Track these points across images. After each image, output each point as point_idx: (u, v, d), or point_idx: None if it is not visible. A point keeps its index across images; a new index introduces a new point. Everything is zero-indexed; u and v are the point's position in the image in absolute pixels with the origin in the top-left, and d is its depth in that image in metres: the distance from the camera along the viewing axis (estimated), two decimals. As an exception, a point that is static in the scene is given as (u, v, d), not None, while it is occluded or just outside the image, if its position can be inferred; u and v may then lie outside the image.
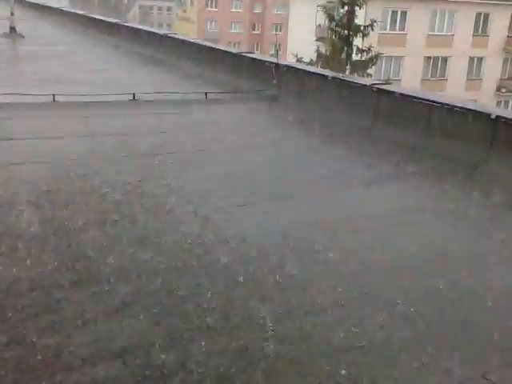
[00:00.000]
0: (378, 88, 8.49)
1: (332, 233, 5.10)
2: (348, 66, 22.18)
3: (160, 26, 66.77)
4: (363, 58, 24.61)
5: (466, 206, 5.78)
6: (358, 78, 14.25)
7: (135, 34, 16.00)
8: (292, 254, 4.63)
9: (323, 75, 9.83)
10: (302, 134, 8.45)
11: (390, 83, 11.60)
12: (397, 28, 32.61)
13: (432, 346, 3.52)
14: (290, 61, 18.72)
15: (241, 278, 4.20)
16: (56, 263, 4.29)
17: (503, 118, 6.82)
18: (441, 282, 4.25)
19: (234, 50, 12.81)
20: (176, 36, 14.67)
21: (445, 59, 34.62)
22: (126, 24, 17.97)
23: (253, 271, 4.34)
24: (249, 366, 3.35)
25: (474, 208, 5.71)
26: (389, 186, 6.36)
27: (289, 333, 3.64)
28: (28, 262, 4.28)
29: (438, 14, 33.18)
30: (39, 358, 3.31)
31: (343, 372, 3.30)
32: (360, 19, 24.24)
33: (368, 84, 8.81)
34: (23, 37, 17.55)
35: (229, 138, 7.94)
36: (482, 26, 34.37)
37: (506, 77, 35.70)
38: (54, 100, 9.00)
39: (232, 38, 59.55)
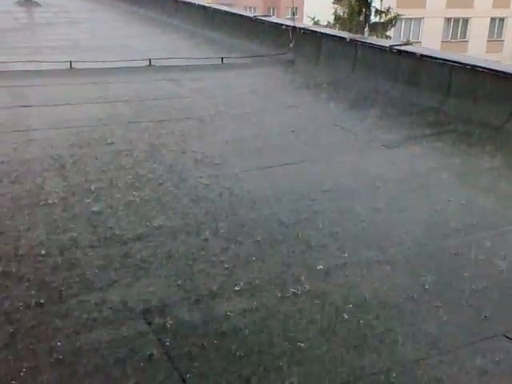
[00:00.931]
0: (397, 49, 8.32)
1: (351, 195, 5.07)
2: (366, 29, 21.78)
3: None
4: (382, 20, 24.13)
5: (488, 166, 5.70)
6: (376, 40, 14.00)
7: (151, 1, 15.84)
8: (312, 218, 4.62)
9: (341, 37, 9.65)
10: (320, 98, 8.35)
11: (410, 44, 11.33)
12: (416, -12, 31.85)
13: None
14: (307, 24, 18.39)
15: (259, 238, 4.23)
16: (76, 226, 4.34)
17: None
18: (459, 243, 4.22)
19: (250, 15, 12.59)
20: (192, 1, 14.48)
21: (465, 20, 33.84)
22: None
23: (270, 233, 4.34)
24: (270, 324, 3.38)
25: (496, 169, 5.63)
26: (409, 148, 6.28)
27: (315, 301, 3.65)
28: (49, 225, 4.34)
29: (458, -26, 32.31)
30: (58, 320, 3.37)
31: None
32: (378, -20, 23.71)
33: (387, 45, 8.63)
34: (39, 5, 17.46)
35: (245, 103, 7.89)
36: (503, -16, 33.42)
37: (528, 37, 34.82)
38: (70, 67, 9.00)
39: (247, 2, 58.61)
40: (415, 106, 7.53)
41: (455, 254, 4.12)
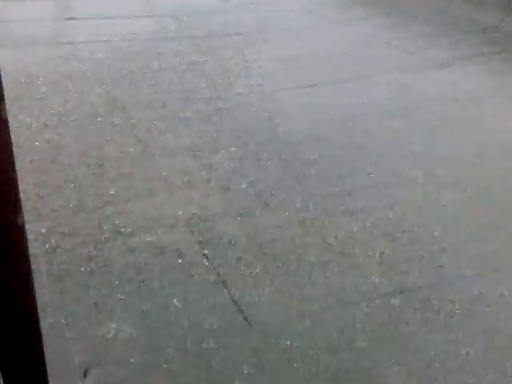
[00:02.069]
0: (456, -38, 7.77)
1: (402, 114, 4.91)
2: None
3: None
4: None
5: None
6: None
7: None
8: (358, 134, 4.51)
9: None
10: (372, 15, 7.96)
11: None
12: None
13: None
14: None
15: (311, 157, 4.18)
16: (119, 136, 4.37)
17: None
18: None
19: None
20: None
21: None
22: None
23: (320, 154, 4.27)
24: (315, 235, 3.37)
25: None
26: (465, 67, 5.97)
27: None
28: (92, 135, 4.38)
29: None
30: (103, 225, 3.44)
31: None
32: None
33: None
34: None
35: (295, 20, 7.61)
36: None
37: None
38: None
39: None
40: (473, 24, 7.10)
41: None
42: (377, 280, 3.03)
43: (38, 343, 1.35)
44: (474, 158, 4.19)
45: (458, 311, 2.83)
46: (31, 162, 4.00)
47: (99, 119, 4.64)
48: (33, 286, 1.28)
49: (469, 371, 2.49)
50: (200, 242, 3.32)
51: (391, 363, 2.52)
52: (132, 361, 2.50)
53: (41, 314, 1.42)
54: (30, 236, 2.86)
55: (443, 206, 3.65)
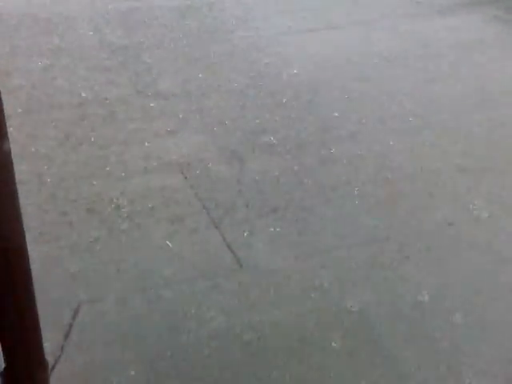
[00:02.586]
0: None
1: (402, 63, 4.81)
2: None
3: None
4: None
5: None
6: None
7: None
8: (357, 81, 4.44)
9: None
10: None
11: None
12: None
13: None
14: None
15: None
16: (124, 78, 4.32)
17: None
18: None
19: None
20: None
21: None
22: None
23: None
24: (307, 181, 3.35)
25: None
26: (468, 15, 5.83)
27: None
28: (101, 81, 4.32)
29: None
30: (106, 166, 3.42)
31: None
32: None
33: None
34: None
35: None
36: None
37: None
38: None
39: None
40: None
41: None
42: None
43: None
44: (473, 107, 4.14)
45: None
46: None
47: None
48: (19, 212, 1.24)
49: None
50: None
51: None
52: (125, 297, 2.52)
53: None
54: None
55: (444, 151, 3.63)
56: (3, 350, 1.39)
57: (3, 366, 1.44)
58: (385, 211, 3.12)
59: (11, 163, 1.20)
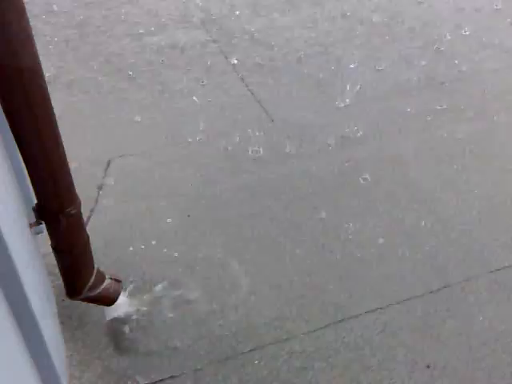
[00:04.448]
0: None
1: None
2: None
3: None
4: None
5: None
6: None
7: None
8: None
9: None
10: None
11: None
12: None
13: None
14: None
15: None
16: None
17: None
18: None
19: None
20: None
21: None
22: None
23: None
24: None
25: None
26: None
27: None
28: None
29: None
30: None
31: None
32: None
33: None
34: None
35: None
36: None
37: None
38: None
39: None
40: None
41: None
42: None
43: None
44: None
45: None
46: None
47: None
48: (31, 32, 1.16)
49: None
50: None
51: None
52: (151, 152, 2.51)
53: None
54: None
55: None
56: (33, 184, 1.40)
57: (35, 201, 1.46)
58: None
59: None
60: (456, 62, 3.11)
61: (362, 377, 1.58)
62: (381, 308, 1.77)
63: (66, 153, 1.36)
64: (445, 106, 2.76)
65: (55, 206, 1.42)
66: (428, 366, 1.60)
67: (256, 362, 1.62)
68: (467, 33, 3.38)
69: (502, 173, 2.35)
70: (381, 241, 2.02)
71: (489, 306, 1.76)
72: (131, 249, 2.01)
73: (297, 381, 1.57)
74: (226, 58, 3.14)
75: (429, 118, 2.67)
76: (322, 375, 1.58)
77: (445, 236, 2.03)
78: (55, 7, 3.68)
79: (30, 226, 1.49)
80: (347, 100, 2.80)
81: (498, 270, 1.89)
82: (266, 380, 1.57)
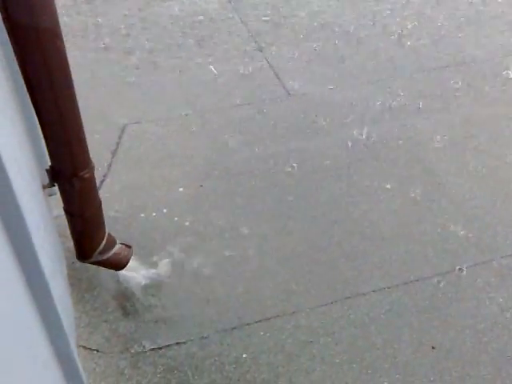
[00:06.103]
0: None
1: None
2: None
3: None
4: None
5: None
6: None
7: None
8: None
9: None
10: None
11: None
12: None
13: None
14: None
15: None
16: None
17: None
18: None
19: None
20: None
21: None
22: None
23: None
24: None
25: None
26: None
27: None
28: None
29: None
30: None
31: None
32: None
33: None
34: None
35: None
36: None
37: None
38: None
39: None
40: None
41: None
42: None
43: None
44: None
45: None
46: None
47: None
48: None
49: None
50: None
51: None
52: (166, 121, 2.50)
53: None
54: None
55: None
56: (48, 146, 1.39)
57: (49, 162, 1.46)
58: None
59: None
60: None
61: (367, 354, 1.58)
62: (389, 287, 1.76)
63: (81, 116, 1.36)
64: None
65: (69, 169, 1.43)
66: (433, 348, 1.60)
67: (261, 333, 1.63)
68: None
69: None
70: (392, 221, 2.00)
71: (498, 292, 1.75)
72: (142, 215, 2.01)
73: (301, 354, 1.58)
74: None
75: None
76: (326, 350, 1.59)
77: (456, 219, 2.02)
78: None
79: (43, 187, 1.49)
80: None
81: (510, 255, 1.87)
82: (270, 351, 1.59)
